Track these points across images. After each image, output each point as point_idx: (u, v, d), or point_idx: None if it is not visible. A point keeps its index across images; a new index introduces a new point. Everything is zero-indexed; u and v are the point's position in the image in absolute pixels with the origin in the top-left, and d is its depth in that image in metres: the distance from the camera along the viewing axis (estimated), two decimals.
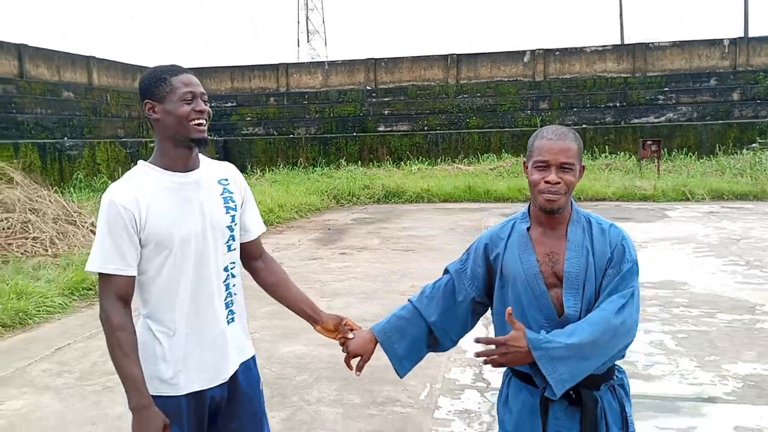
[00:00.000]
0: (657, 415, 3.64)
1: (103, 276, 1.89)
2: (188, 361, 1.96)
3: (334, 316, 2.25)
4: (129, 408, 1.85)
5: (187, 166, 2.00)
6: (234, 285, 2.08)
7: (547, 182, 1.84)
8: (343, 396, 4.09)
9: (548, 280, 1.89)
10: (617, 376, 1.93)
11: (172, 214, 1.92)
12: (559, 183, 1.84)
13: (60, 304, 6.26)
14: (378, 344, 2.16)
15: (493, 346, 1.83)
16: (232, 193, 2.08)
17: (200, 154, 2.07)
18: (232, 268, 2.07)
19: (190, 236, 1.94)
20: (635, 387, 4.01)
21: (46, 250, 8.06)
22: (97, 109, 18.32)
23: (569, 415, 1.87)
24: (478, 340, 1.90)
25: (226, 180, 2.09)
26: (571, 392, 1.85)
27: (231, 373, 2.05)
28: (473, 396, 4.03)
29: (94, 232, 9.16)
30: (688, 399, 3.85)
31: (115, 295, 1.88)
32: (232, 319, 2.07)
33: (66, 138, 15.37)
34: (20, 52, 17.29)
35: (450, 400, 3.97)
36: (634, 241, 1.94)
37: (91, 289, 6.81)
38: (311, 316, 2.25)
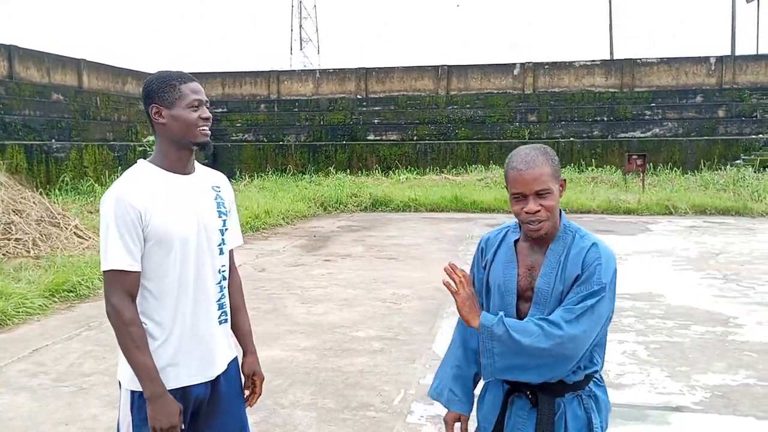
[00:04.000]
0: (624, 422, 3.70)
1: (113, 272, 1.93)
2: (178, 357, 2.01)
3: (252, 366, 2.28)
4: (145, 397, 1.92)
5: (186, 168, 2.07)
6: (225, 287, 2.16)
7: (527, 212, 1.86)
8: (318, 400, 4.12)
9: (525, 294, 1.92)
10: (589, 387, 1.93)
11: (172, 213, 1.98)
12: (539, 210, 1.84)
13: (40, 305, 6.24)
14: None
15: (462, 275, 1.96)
16: (223, 199, 2.17)
17: (195, 161, 2.13)
18: (223, 271, 2.15)
19: (189, 236, 2.00)
20: None
21: (29, 252, 8.04)
22: (87, 111, 18.28)
23: (530, 416, 1.91)
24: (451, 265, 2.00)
25: (219, 187, 2.17)
26: (529, 394, 1.89)
27: (218, 372, 2.10)
28: None
29: (77, 235, 9.13)
30: (655, 408, 3.92)
31: (124, 291, 1.93)
32: (225, 320, 2.15)
33: (53, 140, 15.33)
34: (10, 53, 17.24)
35: (423, 405, 4.01)
36: (615, 255, 1.90)
37: (72, 291, 6.80)
38: (242, 349, 2.29)
